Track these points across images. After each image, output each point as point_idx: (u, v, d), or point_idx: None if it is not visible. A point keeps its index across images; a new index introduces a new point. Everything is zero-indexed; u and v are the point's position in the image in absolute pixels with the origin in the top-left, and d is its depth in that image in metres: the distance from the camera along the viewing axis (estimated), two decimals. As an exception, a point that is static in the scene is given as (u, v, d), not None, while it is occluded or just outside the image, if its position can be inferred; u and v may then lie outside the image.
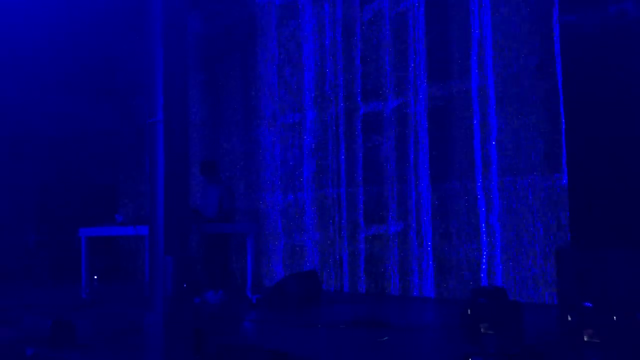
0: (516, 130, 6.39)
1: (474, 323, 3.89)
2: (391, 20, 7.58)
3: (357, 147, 7.89)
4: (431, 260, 7.03)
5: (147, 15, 3.90)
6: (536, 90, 6.25)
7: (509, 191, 6.43)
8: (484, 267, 6.60)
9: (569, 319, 3.47)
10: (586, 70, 5.53)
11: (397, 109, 7.46)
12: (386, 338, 4.39)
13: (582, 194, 5.55)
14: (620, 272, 3.56)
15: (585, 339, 3.39)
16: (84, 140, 9.90)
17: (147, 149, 3.92)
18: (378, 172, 7.65)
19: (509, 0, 6.47)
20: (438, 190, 7.05)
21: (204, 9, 9.60)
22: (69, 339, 4.34)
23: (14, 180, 9.48)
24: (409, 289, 7.17)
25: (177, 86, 3.83)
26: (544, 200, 6.13)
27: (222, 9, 9.59)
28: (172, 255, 3.62)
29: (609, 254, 3.69)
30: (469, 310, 3.96)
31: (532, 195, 6.24)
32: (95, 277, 7.39)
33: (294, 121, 8.59)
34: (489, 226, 6.58)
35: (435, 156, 7.09)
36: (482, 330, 3.83)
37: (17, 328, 4.73)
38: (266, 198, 8.86)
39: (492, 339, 3.73)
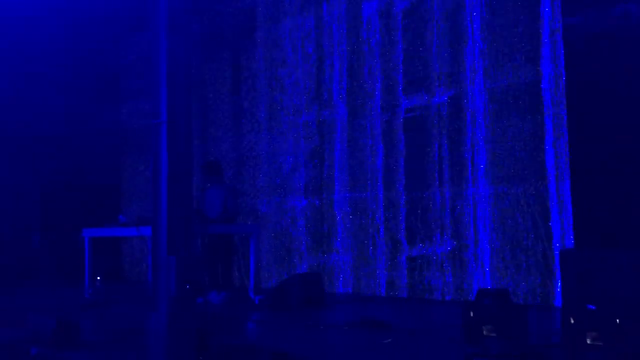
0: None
1: (476, 325, 3.89)
2: None
3: (398, 148, 6.88)
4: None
5: (151, 15, 3.91)
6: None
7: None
8: (558, 295, 5.52)
9: (572, 321, 3.46)
10: (589, 71, 5.51)
11: (448, 102, 6.50)
12: (389, 340, 4.39)
13: (585, 196, 5.54)
14: (624, 274, 3.55)
15: (588, 342, 3.38)
16: (88, 140, 9.91)
17: (151, 150, 3.92)
18: (424, 177, 6.62)
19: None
20: (500, 198, 6.01)
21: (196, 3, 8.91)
22: (73, 339, 4.36)
23: (17, 180, 9.50)
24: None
25: (180, 87, 3.83)
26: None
27: (216, 4, 8.87)
28: (175, 255, 3.63)
29: (613, 256, 3.68)
30: (471, 312, 3.96)
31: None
32: (99, 277, 7.39)
33: (320, 119, 7.63)
34: (563, 246, 5.58)
35: (495, 158, 6.10)
36: (484, 332, 3.82)
37: (21, 328, 4.74)
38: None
39: (495, 340, 3.72)
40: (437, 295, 6.51)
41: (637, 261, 3.56)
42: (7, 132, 9.38)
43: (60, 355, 4.14)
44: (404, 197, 6.83)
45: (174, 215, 3.68)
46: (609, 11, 5.42)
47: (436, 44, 6.63)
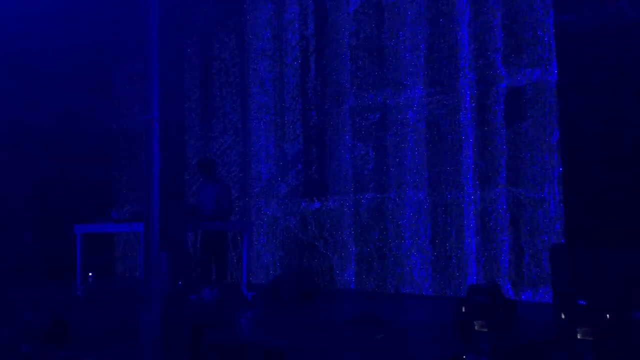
0: None
1: (468, 320, 3.90)
2: None
3: (495, 139, 5.51)
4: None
5: (143, 11, 3.90)
6: None
7: None
8: None
9: (563, 316, 3.48)
10: (583, 68, 5.54)
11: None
12: (382, 336, 4.40)
13: (577, 192, 5.56)
14: (614, 270, 3.57)
15: (579, 337, 3.41)
16: (81, 136, 9.87)
17: (143, 146, 3.91)
18: (532, 176, 5.23)
19: None
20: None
21: None
22: (65, 336, 4.34)
23: (9, 177, 9.45)
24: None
25: (173, 83, 3.83)
26: None
27: None
28: (167, 252, 3.63)
29: (603, 252, 3.71)
30: (463, 308, 3.98)
31: None
32: (90, 274, 7.37)
33: (386, 103, 6.28)
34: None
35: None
36: (476, 327, 3.84)
37: (13, 325, 4.73)
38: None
39: (486, 336, 3.74)
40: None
41: (628, 257, 3.59)
42: (1, 129, 9.33)
43: (51, 352, 4.13)
44: (505, 203, 5.22)
45: (166, 211, 3.68)
46: (602, 9, 5.44)
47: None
